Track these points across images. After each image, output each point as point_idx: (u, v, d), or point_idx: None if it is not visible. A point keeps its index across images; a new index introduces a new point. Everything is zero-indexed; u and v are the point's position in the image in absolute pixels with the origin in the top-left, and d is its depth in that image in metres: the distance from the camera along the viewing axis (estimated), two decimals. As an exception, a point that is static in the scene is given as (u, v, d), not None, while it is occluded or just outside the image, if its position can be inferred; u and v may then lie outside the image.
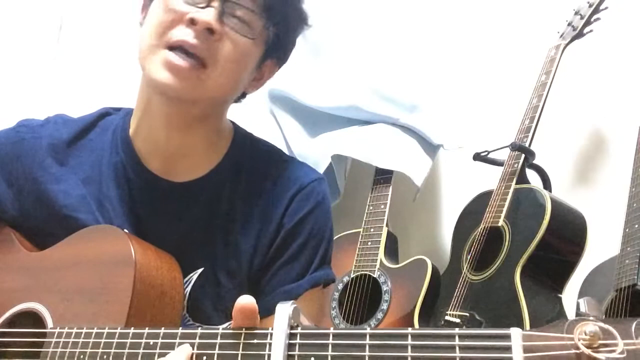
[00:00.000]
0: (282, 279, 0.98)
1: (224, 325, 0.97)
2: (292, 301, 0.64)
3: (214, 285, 0.97)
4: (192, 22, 0.87)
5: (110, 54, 2.15)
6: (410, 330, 0.57)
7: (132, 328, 0.74)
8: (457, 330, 0.55)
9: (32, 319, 0.89)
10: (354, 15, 1.85)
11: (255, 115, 1.85)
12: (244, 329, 0.66)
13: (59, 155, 1.01)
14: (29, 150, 1.01)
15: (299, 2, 0.99)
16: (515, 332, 0.53)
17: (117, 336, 0.74)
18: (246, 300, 0.66)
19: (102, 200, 0.98)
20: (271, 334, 0.63)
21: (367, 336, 0.59)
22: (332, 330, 0.61)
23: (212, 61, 0.89)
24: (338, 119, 1.83)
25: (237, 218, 0.98)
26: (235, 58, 0.91)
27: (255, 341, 0.64)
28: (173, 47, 0.88)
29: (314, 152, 1.79)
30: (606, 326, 0.50)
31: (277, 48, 0.98)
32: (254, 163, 1.02)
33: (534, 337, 0.52)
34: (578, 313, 0.53)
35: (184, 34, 0.88)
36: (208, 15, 0.87)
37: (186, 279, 0.95)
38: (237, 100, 1.06)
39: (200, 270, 0.96)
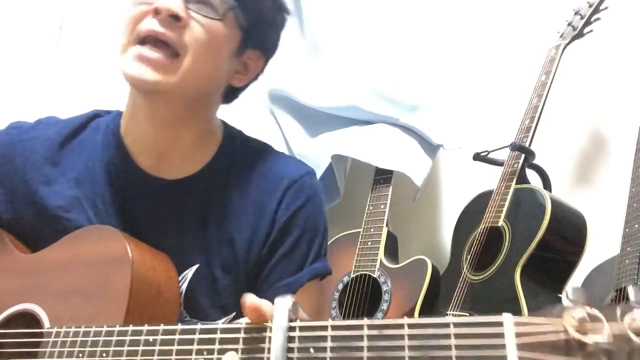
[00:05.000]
0: (280, 273, 0.99)
1: (223, 320, 0.98)
2: (290, 295, 0.65)
3: (210, 281, 0.97)
4: (156, 12, 0.89)
5: (110, 55, 2.15)
6: (406, 320, 0.59)
7: (131, 325, 0.74)
8: (452, 319, 0.57)
9: (28, 320, 0.88)
10: (354, 15, 1.85)
11: (255, 115, 1.85)
12: (243, 324, 0.66)
13: (51, 156, 1.01)
14: (21, 152, 1.01)
15: None
16: (507, 318, 0.55)
17: (115, 334, 0.74)
18: (249, 300, 0.67)
19: (95, 199, 0.98)
20: (270, 328, 0.63)
21: (365, 327, 0.60)
22: (330, 323, 0.61)
23: (183, 48, 0.90)
24: (338, 119, 1.83)
25: (231, 213, 0.99)
26: (205, 41, 0.91)
27: (255, 335, 0.65)
28: (143, 42, 0.90)
29: (314, 152, 1.79)
30: (593, 311, 0.52)
31: (255, 36, 0.98)
32: (245, 159, 1.03)
33: (525, 322, 0.54)
34: (567, 299, 0.54)
35: (150, 24, 0.89)
36: (171, 3, 0.88)
37: (182, 275, 0.96)
38: (229, 99, 1.05)
39: (195, 267, 0.97)
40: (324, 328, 0.61)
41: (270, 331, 0.63)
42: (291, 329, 0.62)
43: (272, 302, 0.96)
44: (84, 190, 0.98)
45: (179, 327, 0.70)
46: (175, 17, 0.88)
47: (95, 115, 1.07)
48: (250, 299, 0.66)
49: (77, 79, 2.17)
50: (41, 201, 0.98)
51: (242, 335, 0.65)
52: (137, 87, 0.93)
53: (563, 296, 1.47)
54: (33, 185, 0.99)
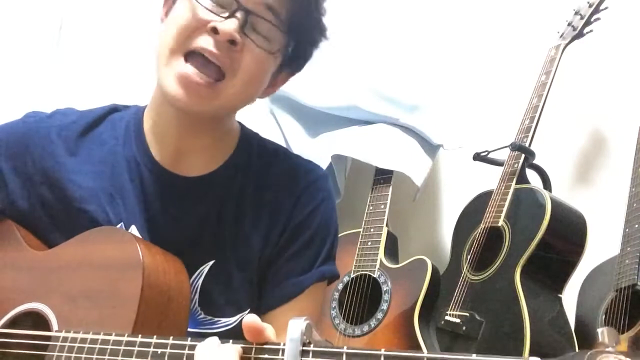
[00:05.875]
0: (289, 271, 0.99)
1: (236, 317, 0.99)
2: (305, 317, 0.63)
3: (225, 277, 0.98)
4: (214, 32, 0.87)
5: (110, 55, 2.15)
6: (426, 354, 0.57)
7: (140, 336, 0.73)
8: (474, 357, 0.55)
9: (34, 319, 0.88)
10: (354, 15, 1.85)
11: (255, 115, 1.85)
12: (254, 344, 0.66)
13: (69, 146, 1.00)
14: (38, 141, 1.00)
15: (321, 17, 0.98)
16: None
17: (124, 344, 0.74)
18: (250, 320, 0.67)
19: (112, 193, 0.98)
20: (283, 350, 0.63)
21: (382, 357, 0.58)
22: (345, 350, 0.60)
23: (231, 72, 0.89)
24: (338, 119, 1.83)
25: (247, 211, 1.00)
26: (253, 71, 0.91)
27: (266, 356, 0.64)
28: (191, 55, 0.88)
29: (314, 152, 1.79)
30: (626, 359, 0.50)
31: (294, 60, 0.99)
32: (262, 158, 1.04)
33: None
34: (598, 343, 0.52)
35: (205, 43, 0.88)
36: (231, 26, 0.87)
37: (197, 271, 0.97)
38: None
39: (211, 263, 0.97)
40: (339, 355, 0.60)
41: (283, 354, 0.62)
42: (304, 352, 0.61)
43: (281, 299, 0.97)
44: (102, 183, 0.98)
45: (188, 343, 0.69)
46: (231, 42, 0.87)
47: (114, 109, 1.06)
48: (250, 319, 0.66)
49: (77, 78, 2.17)
50: (59, 190, 0.98)
51: (253, 355, 0.65)
52: (174, 106, 0.92)
53: (563, 295, 1.47)
54: (51, 174, 0.99)
